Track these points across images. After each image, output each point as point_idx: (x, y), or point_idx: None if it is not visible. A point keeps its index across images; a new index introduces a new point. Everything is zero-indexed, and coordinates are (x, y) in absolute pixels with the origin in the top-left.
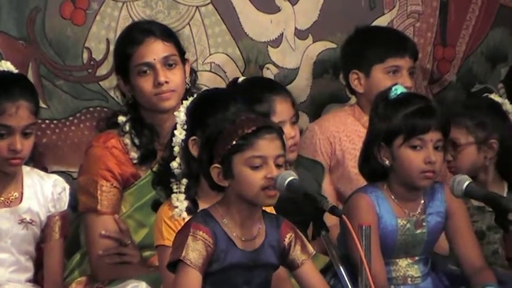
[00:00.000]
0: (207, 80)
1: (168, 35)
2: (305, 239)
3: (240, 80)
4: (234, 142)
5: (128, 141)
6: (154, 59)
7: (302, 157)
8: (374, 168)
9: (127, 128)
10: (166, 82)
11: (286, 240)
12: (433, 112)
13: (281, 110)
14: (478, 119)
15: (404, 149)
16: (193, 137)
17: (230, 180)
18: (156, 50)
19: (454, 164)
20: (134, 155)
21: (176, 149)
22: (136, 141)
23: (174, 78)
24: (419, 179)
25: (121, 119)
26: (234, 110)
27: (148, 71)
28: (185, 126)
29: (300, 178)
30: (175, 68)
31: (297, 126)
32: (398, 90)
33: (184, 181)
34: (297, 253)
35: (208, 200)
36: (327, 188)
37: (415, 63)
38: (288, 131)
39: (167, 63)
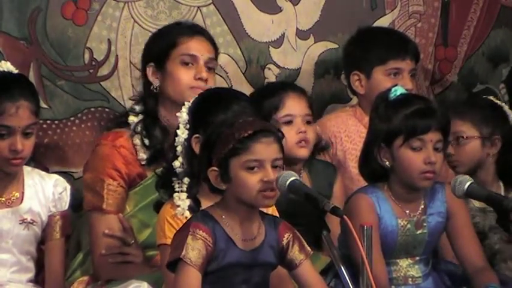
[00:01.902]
0: None
1: (214, 43)
2: (303, 240)
3: None
4: (231, 146)
5: (137, 141)
6: (202, 55)
7: (315, 159)
8: (374, 169)
9: (138, 128)
10: (206, 81)
11: (284, 240)
12: (433, 113)
13: (292, 105)
14: (483, 114)
15: (405, 150)
16: (196, 135)
17: (228, 184)
18: (204, 48)
19: (455, 158)
20: (143, 156)
21: (179, 148)
22: (147, 141)
23: (211, 82)
24: (419, 179)
25: (132, 119)
26: (237, 108)
27: (190, 64)
28: (188, 126)
29: (313, 180)
30: (212, 73)
31: (314, 127)
32: (398, 91)
33: (186, 180)
34: (295, 253)
35: (211, 199)
36: (338, 190)
37: (417, 65)
38: (299, 125)
39: (208, 66)
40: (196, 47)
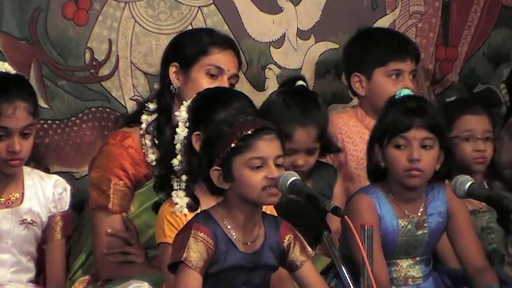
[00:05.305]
0: None
1: (240, 59)
2: (304, 241)
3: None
4: (233, 145)
5: (147, 141)
6: (229, 70)
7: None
8: (373, 169)
9: (150, 128)
10: None
11: (285, 242)
12: (418, 110)
13: (297, 139)
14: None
15: (390, 148)
16: (197, 132)
17: (231, 183)
18: (232, 64)
19: (486, 154)
20: (152, 156)
21: (178, 146)
22: (157, 141)
23: None
24: (405, 177)
25: (145, 118)
26: (237, 105)
27: (215, 76)
28: (187, 124)
29: (313, 181)
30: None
31: (315, 154)
32: (403, 93)
33: (184, 178)
34: (296, 254)
35: (210, 196)
36: (339, 192)
37: (417, 65)
38: (292, 158)
39: (231, 81)
40: (225, 61)
